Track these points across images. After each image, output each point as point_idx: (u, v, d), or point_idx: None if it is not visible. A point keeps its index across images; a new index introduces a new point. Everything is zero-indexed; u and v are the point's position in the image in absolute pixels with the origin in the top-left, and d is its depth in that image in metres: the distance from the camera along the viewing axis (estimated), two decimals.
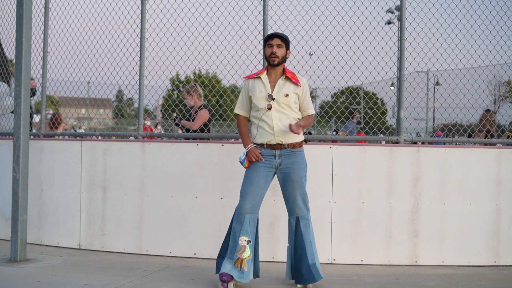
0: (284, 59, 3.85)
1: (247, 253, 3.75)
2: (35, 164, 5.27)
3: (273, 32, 3.91)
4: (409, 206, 4.76)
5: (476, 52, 5.16)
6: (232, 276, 3.72)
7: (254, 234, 3.83)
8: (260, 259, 4.41)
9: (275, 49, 3.79)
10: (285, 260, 4.74)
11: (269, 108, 3.77)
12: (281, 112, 3.79)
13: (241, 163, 3.84)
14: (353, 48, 5.22)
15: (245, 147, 3.87)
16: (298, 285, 3.90)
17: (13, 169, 4.59)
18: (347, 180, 4.79)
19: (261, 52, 5.17)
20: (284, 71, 3.88)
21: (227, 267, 3.74)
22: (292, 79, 3.84)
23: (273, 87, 3.83)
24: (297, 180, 3.84)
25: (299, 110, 3.91)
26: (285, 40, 3.84)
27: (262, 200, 3.87)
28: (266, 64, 3.95)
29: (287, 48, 3.87)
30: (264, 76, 3.87)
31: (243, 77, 3.96)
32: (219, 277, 3.77)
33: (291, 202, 3.88)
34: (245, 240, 3.76)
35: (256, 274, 3.93)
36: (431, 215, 4.75)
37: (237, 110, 3.98)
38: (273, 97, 3.78)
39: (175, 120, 5.99)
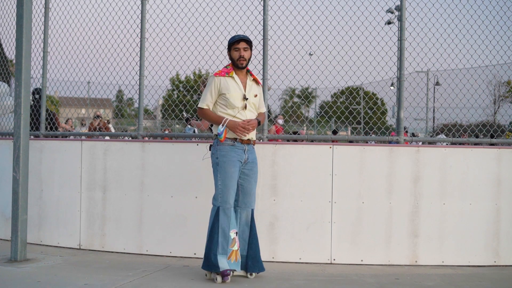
0: (249, 60, 4.08)
1: (238, 244, 3.99)
2: (35, 164, 5.27)
3: (238, 35, 4.07)
4: (409, 206, 4.76)
5: (476, 52, 5.16)
6: (231, 270, 3.94)
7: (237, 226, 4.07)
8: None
9: (242, 52, 4.01)
10: (286, 260, 4.75)
11: (246, 107, 4.00)
12: (250, 111, 4.07)
13: (219, 135, 3.92)
14: (353, 48, 5.22)
15: (221, 122, 3.94)
16: (253, 274, 4.07)
17: (13, 169, 4.59)
18: (347, 180, 4.79)
19: (261, 52, 5.17)
20: (248, 72, 4.13)
21: (225, 263, 3.91)
22: (256, 80, 4.14)
23: (244, 87, 4.05)
24: (256, 174, 4.12)
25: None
26: (250, 43, 4.05)
27: None
28: (229, 63, 4.11)
29: (251, 49, 4.08)
30: (235, 75, 4.04)
31: (214, 74, 4.05)
32: (221, 273, 3.90)
33: (250, 194, 4.07)
34: (234, 233, 3.98)
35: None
36: (431, 215, 4.75)
37: (203, 105, 4.03)
38: (247, 97, 4.02)
39: (188, 120, 5.99)
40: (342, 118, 6.01)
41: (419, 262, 4.73)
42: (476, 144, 5.45)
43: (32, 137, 5.61)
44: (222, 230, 3.92)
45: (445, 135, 5.79)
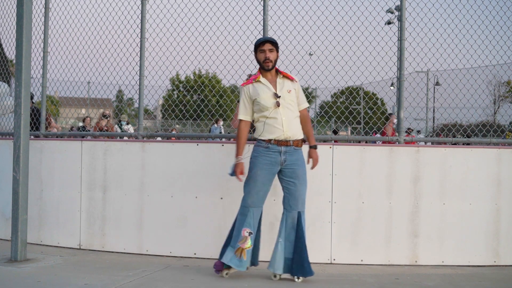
0: (276, 62, 4.06)
1: (248, 244, 4.02)
2: (35, 164, 5.27)
3: (263, 37, 4.11)
4: (409, 206, 4.76)
5: (476, 52, 5.16)
6: (223, 265, 4.07)
7: (256, 227, 4.08)
8: (260, 259, 4.43)
9: (268, 54, 4.01)
10: None
11: (278, 105, 3.95)
12: (287, 108, 3.99)
13: (231, 175, 4.08)
14: (353, 48, 5.22)
15: (236, 157, 4.04)
16: (300, 278, 3.99)
17: (13, 169, 4.59)
18: (347, 180, 4.79)
19: None
20: (277, 71, 4.10)
21: (228, 255, 4.03)
22: (288, 77, 4.07)
23: (274, 86, 4.02)
24: (302, 176, 4.04)
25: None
26: (275, 44, 4.05)
27: (267, 195, 4.09)
28: (258, 67, 4.13)
29: (277, 50, 4.08)
30: (262, 78, 4.05)
31: (241, 85, 4.12)
32: (214, 265, 4.13)
33: (295, 197, 4.01)
34: (247, 232, 4.02)
35: (253, 263, 4.16)
36: (431, 215, 4.75)
37: (242, 116, 4.08)
38: (279, 95, 3.97)
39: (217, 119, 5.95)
40: (342, 118, 6.00)
41: (419, 262, 4.73)
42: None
43: (32, 137, 5.61)
44: (237, 226, 4.07)
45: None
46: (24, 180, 4.60)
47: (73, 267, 4.42)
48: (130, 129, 10.43)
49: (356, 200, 4.77)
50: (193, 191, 4.93)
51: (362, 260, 4.74)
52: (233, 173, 4.04)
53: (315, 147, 4.19)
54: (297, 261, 3.97)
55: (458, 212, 4.76)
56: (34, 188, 5.30)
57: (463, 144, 5.65)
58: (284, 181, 4.05)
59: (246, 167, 4.13)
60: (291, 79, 4.08)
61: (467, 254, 4.74)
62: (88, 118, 10.66)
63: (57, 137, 6.21)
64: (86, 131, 9.30)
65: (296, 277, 4.00)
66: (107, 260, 4.74)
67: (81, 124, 10.87)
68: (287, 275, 4.06)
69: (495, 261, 4.75)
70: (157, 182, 5.03)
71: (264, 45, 4.01)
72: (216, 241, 4.84)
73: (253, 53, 4.12)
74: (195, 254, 4.87)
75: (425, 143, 5.67)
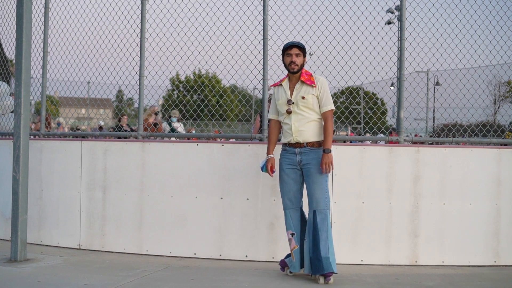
0: (302, 66, 4.13)
1: (293, 245, 4.15)
2: (35, 164, 5.27)
3: (291, 42, 4.20)
4: (409, 206, 4.76)
5: (476, 52, 5.16)
6: (285, 262, 4.27)
7: (298, 227, 4.17)
8: (259, 259, 4.44)
9: (294, 58, 4.11)
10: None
11: (289, 113, 4.09)
12: (299, 114, 4.09)
13: (261, 169, 4.23)
14: (353, 48, 5.22)
15: (267, 155, 4.24)
16: (320, 279, 3.98)
17: (13, 169, 4.59)
18: (347, 180, 4.79)
19: (261, 52, 5.17)
20: (300, 75, 4.17)
21: (288, 260, 4.24)
22: (306, 82, 4.10)
23: (292, 92, 4.13)
24: (316, 175, 4.05)
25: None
26: (302, 49, 4.13)
27: (299, 194, 4.19)
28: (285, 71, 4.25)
29: (304, 55, 4.16)
30: (285, 82, 4.20)
31: (270, 85, 4.31)
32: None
33: (309, 195, 4.08)
34: (290, 233, 4.17)
35: (301, 266, 4.18)
36: (431, 215, 4.75)
37: (269, 116, 4.35)
38: (292, 102, 4.09)
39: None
40: (342, 118, 6.00)
41: (419, 262, 4.73)
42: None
43: (32, 137, 5.61)
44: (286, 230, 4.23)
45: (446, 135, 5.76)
46: (24, 180, 4.60)
47: (73, 267, 4.41)
48: (181, 126, 9.98)
49: (356, 200, 4.77)
50: (193, 191, 4.93)
51: (362, 260, 4.74)
52: (265, 168, 4.17)
53: (326, 151, 3.99)
54: (313, 259, 4.01)
55: (458, 212, 4.76)
56: (34, 188, 5.30)
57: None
58: (304, 180, 4.14)
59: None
60: (310, 84, 4.08)
61: (467, 254, 4.74)
62: (125, 117, 10.24)
63: (54, 136, 6.21)
64: (123, 131, 9.09)
65: (321, 277, 3.99)
66: (107, 260, 4.74)
67: (101, 123, 10.69)
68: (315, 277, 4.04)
69: (495, 261, 4.75)
70: (157, 182, 5.03)
71: (292, 50, 4.10)
72: (216, 241, 4.85)
73: (281, 56, 4.23)
74: (195, 254, 4.88)
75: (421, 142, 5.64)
